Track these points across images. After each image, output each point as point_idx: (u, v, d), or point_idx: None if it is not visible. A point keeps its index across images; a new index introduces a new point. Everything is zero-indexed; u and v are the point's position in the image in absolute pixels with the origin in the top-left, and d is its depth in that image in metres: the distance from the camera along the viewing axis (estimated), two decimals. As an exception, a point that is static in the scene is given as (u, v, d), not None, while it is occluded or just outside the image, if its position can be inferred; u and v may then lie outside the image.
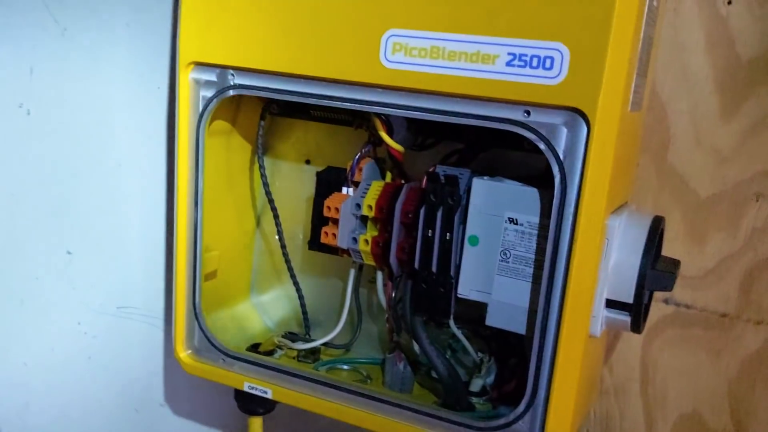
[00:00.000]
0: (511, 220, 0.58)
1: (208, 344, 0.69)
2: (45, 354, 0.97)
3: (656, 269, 0.57)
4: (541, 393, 0.56)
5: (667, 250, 0.68)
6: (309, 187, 0.71)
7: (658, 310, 0.71)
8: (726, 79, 0.66)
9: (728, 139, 0.67)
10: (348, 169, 0.65)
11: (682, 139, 0.68)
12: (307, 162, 0.73)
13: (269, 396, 0.67)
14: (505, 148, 0.63)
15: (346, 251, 0.65)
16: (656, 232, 0.57)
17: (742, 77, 0.65)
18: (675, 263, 0.60)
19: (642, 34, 0.53)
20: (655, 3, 0.55)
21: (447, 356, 0.67)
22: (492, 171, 0.61)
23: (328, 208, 0.64)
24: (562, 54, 0.50)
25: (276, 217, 0.72)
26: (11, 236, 0.94)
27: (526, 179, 0.59)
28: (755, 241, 0.67)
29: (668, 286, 0.57)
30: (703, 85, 0.67)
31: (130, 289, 0.91)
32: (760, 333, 0.68)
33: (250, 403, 0.72)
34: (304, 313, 0.74)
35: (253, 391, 0.67)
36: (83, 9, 0.85)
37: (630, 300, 0.56)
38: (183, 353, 0.70)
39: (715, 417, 0.71)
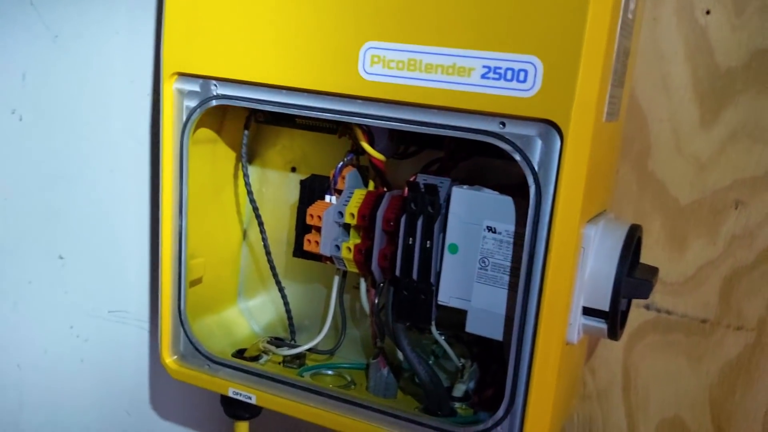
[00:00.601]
0: (490, 229, 0.58)
1: (194, 350, 0.70)
2: (38, 356, 0.98)
3: (632, 277, 0.58)
4: (519, 399, 0.57)
5: (647, 257, 0.69)
6: (295, 195, 0.71)
7: (639, 315, 0.72)
8: (705, 88, 0.67)
9: (708, 147, 0.67)
10: (331, 177, 0.66)
11: (662, 147, 0.69)
12: (293, 170, 0.74)
13: (253, 401, 0.67)
14: (485, 156, 0.64)
15: (329, 258, 0.66)
16: (632, 240, 0.58)
17: (721, 86, 0.66)
18: (652, 271, 0.61)
19: (616, 46, 0.53)
20: (630, 15, 0.56)
21: (430, 362, 0.68)
22: (472, 180, 0.62)
23: (311, 215, 0.65)
24: (535, 67, 0.50)
25: (261, 224, 0.72)
26: (4, 241, 0.95)
27: (506, 188, 0.59)
28: (734, 247, 0.68)
29: (644, 294, 0.58)
30: (682, 94, 0.67)
31: (122, 294, 0.92)
32: (740, 339, 0.69)
33: (235, 408, 0.73)
34: (290, 318, 0.74)
35: (238, 397, 0.68)
36: (74, 16, 0.85)
37: (606, 308, 0.57)
38: (169, 359, 0.71)
39: (696, 422, 0.72)
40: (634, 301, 0.70)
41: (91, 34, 0.85)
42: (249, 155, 0.74)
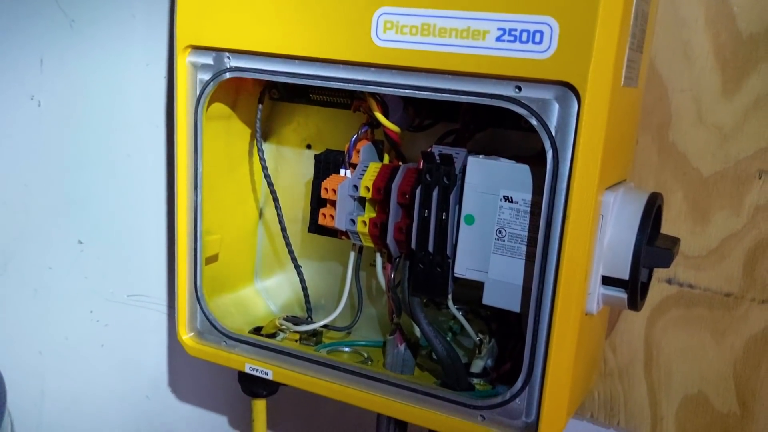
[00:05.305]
0: (506, 198, 0.57)
1: (210, 327, 0.70)
2: (59, 342, 0.98)
3: (653, 246, 0.56)
4: (537, 371, 0.56)
5: (669, 230, 0.68)
6: (310, 172, 0.70)
7: (661, 290, 0.71)
8: (727, 56, 0.65)
9: (730, 116, 0.66)
10: (345, 150, 0.65)
11: (684, 117, 0.67)
12: (308, 147, 0.74)
13: (270, 377, 0.67)
14: (501, 127, 0.63)
15: (345, 233, 0.65)
16: (652, 208, 0.57)
17: (743, 53, 0.65)
18: (674, 241, 0.59)
19: (634, 9, 0.52)
20: (648, -23, 0.55)
21: (448, 339, 0.67)
22: (489, 151, 0.61)
23: (326, 189, 0.64)
24: (551, 28, 0.50)
25: (276, 200, 0.72)
26: (24, 227, 0.96)
27: (522, 159, 0.58)
28: (758, 218, 0.66)
29: (665, 263, 0.57)
30: (703, 62, 0.66)
31: (141, 278, 0.93)
32: (765, 312, 0.67)
33: (252, 386, 0.73)
34: (306, 296, 0.74)
35: (254, 373, 0.68)
36: (91, 1, 0.86)
37: (626, 276, 0.56)
38: (185, 336, 0.71)
39: (720, 398, 0.70)
40: (656, 276, 0.69)
41: (107, 18, 0.86)
42: (264, 133, 0.74)
